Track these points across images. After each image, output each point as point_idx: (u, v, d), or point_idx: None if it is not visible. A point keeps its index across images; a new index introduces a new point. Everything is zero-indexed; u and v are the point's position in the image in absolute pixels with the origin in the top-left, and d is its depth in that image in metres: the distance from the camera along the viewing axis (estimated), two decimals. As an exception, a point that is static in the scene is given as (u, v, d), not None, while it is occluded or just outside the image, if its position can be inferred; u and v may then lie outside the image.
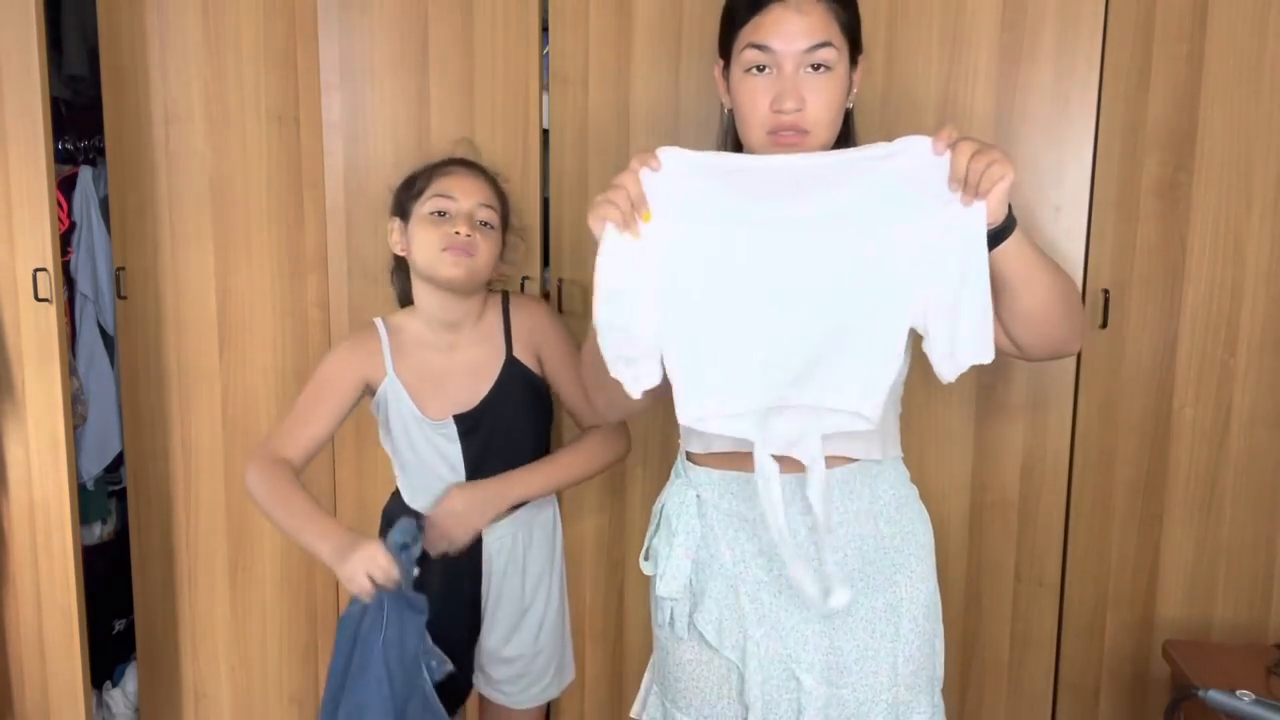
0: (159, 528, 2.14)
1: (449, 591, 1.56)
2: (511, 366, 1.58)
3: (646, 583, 1.34)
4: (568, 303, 1.86)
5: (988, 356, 1.10)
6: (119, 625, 2.49)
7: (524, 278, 1.85)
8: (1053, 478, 1.79)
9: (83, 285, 2.32)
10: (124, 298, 2.08)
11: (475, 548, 1.57)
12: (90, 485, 2.40)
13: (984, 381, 1.78)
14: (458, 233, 1.48)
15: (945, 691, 1.31)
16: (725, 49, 1.23)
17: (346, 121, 1.91)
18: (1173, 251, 1.71)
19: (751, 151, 1.22)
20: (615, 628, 1.97)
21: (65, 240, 2.27)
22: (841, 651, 1.21)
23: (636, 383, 1.14)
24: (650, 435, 1.88)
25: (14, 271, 1.95)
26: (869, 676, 1.21)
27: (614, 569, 1.95)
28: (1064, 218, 1.72)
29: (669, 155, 1.15)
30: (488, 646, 1.64)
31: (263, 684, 2.15)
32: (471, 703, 1.73)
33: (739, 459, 1.21)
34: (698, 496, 1.28)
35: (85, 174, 2.32)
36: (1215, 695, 1.39)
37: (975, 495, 1.81)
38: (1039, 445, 1.78)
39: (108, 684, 2.38)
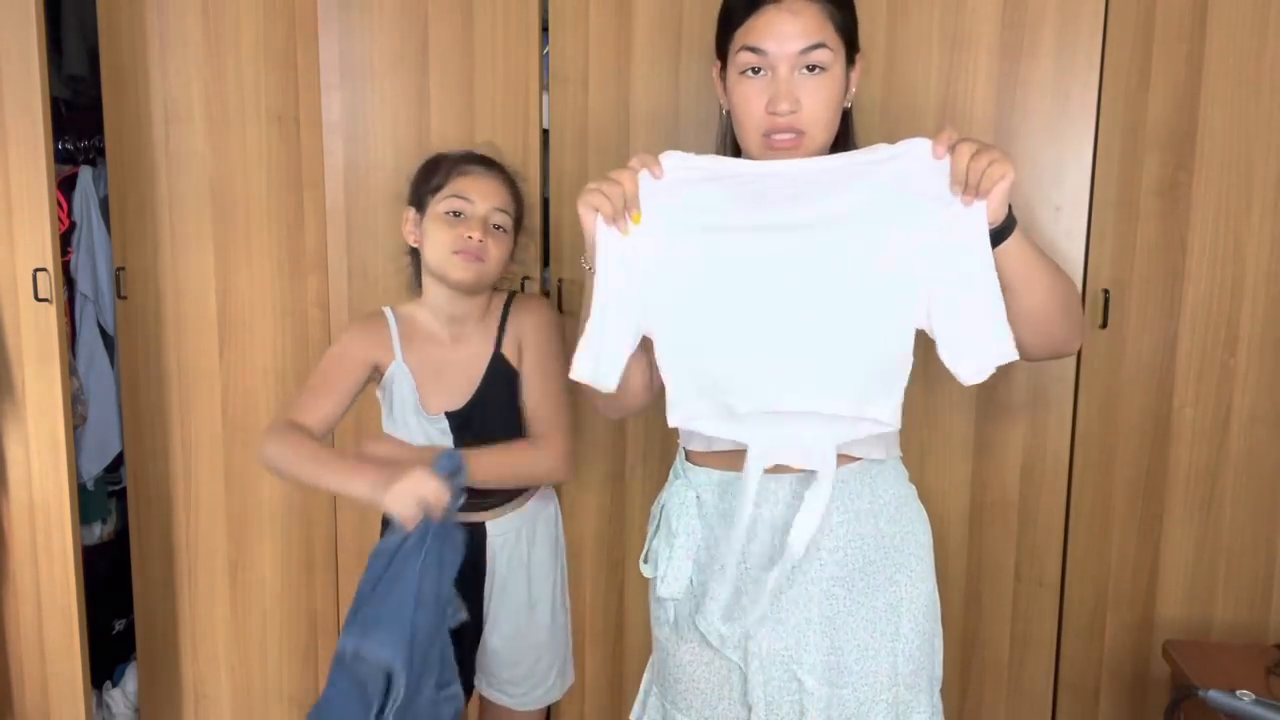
0: (159, 528, 2.14)
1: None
2: (496, 364, 1.58)
3: (646, 583, 1.34)
4: (568, 303, 1.86)
5: (1012, 354, 1.10)
6: (119, 625, 2.49)
7: (524, 278, 1.85)
8: (1053, 478, 1.79)
9: (83, 285, 2.32)
10: (124, 298, 2.08)
11: (478, 544, 1.57)
12: (90, 485, 2.40)
13: (984, 381, 1.77)
14: (470, 237, 1.49)
15: (945, 691, 1.31)
16: (721, 50, 1.23)
17: (346, 121, 1.91)
18: (1173, 251, 1.71)
19: (748, 154, 1.22)
20: (615, 628, 1.97)
21: (65, 240, 2.27)
22: (842, 652, 1.21)
23: (596, 380, 1.17)
24: (650, 435, 1.88)
25: (14, 271, 1.95)
26: (869, 676, 1.21)
27: (614, 569, 1.95)
28: (1064, 217, 1.72)
29: (672, 162, 1.15)
30: (491, 646, 1.64)
31: (263, 684, 2.15)
32: (471, 704, 1.73)
33: (739, 458, 1.21)
34: (697, 497, 1.28)
35: (85, 174, 2.32)
36: (1215, 695, 1.39)
37: (975, 495, 1.81)
38: (1039, 445, 1.78)
39: (108, 684, 2.38)
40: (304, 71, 1.94)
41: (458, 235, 1.50)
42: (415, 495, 1.31)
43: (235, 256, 2.02)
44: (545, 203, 1.89)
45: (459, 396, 1.56)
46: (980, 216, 1.08)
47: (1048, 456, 1.79)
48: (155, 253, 2.05)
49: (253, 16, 1.95)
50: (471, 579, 1.59)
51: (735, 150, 1.27)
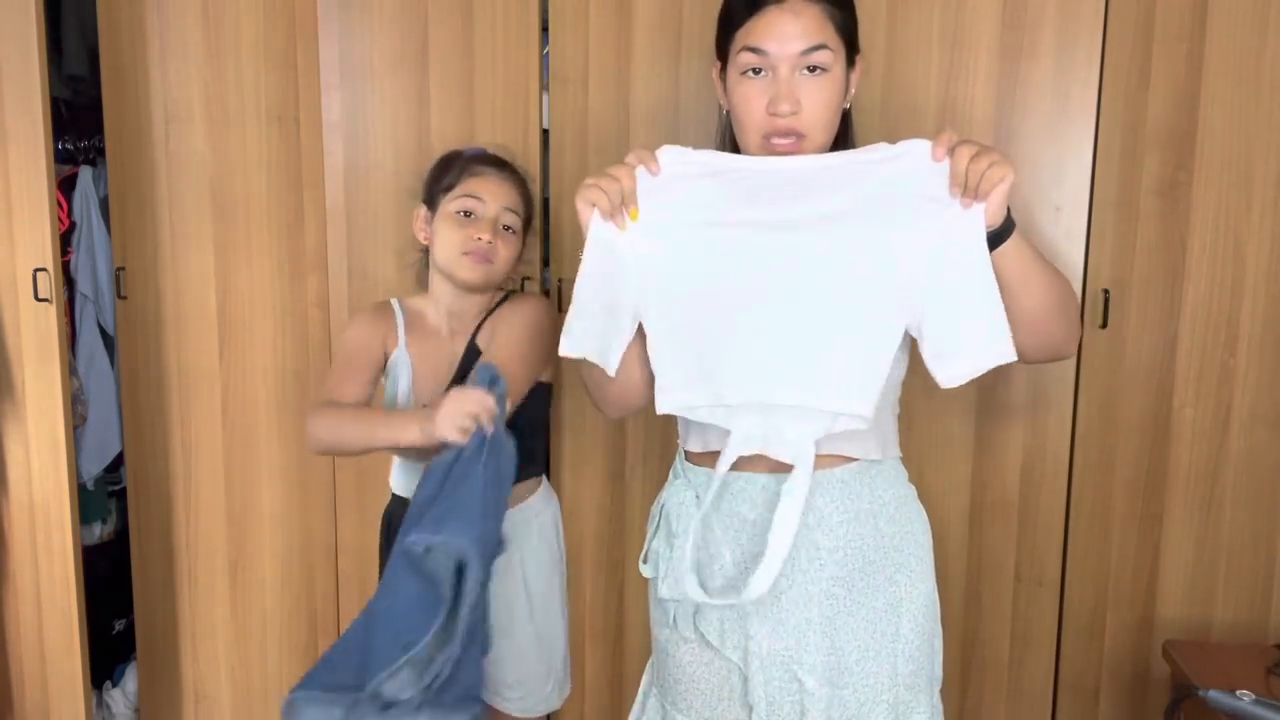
0: (159, 528, 2.14)
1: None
2: (471, 354, 1.57)
3: (646, 583, 1.34)
4: (568, 303, 1.85)
5: (1011, 354, 1.10)
6: (119, 625, 2.49)
7: (524, 278, 1.85)
8: (1053, 478, 1.79)
9: (83, 285, 2.32)
10: (124, 298, 2.08)
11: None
12: (90, 485, 2.40)
13: (984, 381, 1.76)
14: (480, 238, 1.50)
15: (945, 691, 1.31)
16: (722, 51, 1.23)
17: (346, 121, 1.91)
18: (1173, 251, 1.71)
19: (748, 154, 1.22)
20: (615, 628, 1.97)
21: (65, 240, 2.27)
22: (843, 652, 1.21)
23: (588, 356, 1.18)
24: (650, 435, 1.88)
25: (14, 271, 1.95)
26: (870, 677, 1.21)
27: (614, 569, 1.95)
28: (1064, 217, 1.72)
29: (669, 157, 1.15)
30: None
31: (263, 684, 2.15)
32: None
33: (739, 459, 1.21)
34: (697, 497, 1.28)
35: (85, 174, 2.32)
36: (1215, 695, 1.39)
37: (975, 495, 1.81)
38: (1039, 445, 1.79)
39: (108, 684, 2.38)
40: (304, 71, 1.94)
41: (467, 236, 1.51)
42: (464, 411, 1.30)
43: (235, 256, 2.02)
44: (545, 203, 1.89)
45: (444, 388, 1.56)
46: (979, 219, 1.08)
47: (1048, 456, 1.79)
48: (155, 253, 2.05)
49: (253, 17, 1.94)
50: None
51: (734, 151, 1.26)
